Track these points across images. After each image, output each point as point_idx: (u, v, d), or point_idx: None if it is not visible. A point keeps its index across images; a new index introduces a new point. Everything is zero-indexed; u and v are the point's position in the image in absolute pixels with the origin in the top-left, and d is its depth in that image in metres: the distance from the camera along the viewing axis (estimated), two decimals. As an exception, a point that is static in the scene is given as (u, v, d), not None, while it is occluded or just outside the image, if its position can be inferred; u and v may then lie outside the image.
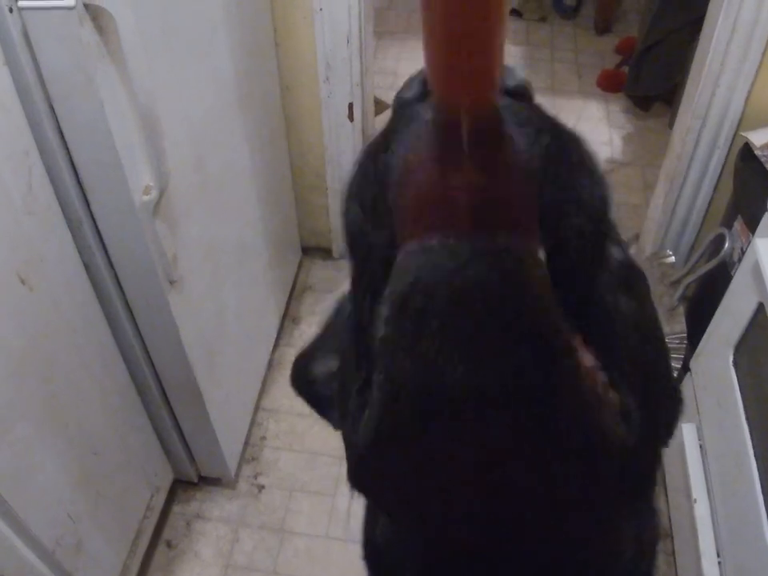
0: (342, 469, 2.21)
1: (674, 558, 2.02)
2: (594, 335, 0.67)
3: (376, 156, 0.67)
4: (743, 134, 2.06)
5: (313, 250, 2.88)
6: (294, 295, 2.72)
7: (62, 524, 1.52)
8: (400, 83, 0.73)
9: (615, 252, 0.72)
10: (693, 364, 1.97)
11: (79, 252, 1.45)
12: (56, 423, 1.46)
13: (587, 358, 0.66)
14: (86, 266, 1.49)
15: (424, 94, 0.67)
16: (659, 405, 0.76)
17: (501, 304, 0.59)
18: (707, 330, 1.89)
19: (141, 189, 1.38)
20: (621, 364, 0.68)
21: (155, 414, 1.89)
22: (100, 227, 1.45)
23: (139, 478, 1.88)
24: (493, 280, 0.58)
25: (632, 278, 0.75)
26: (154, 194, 1.40)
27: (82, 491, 1.59)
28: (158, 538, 2.10)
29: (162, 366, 1.77)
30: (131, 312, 1.63)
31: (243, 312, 2.12)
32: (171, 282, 1.57)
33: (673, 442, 1.98)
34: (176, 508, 2.17)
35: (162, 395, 1.85)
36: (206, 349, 1.83)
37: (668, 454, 2.13)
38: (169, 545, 2.10)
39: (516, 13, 4.14)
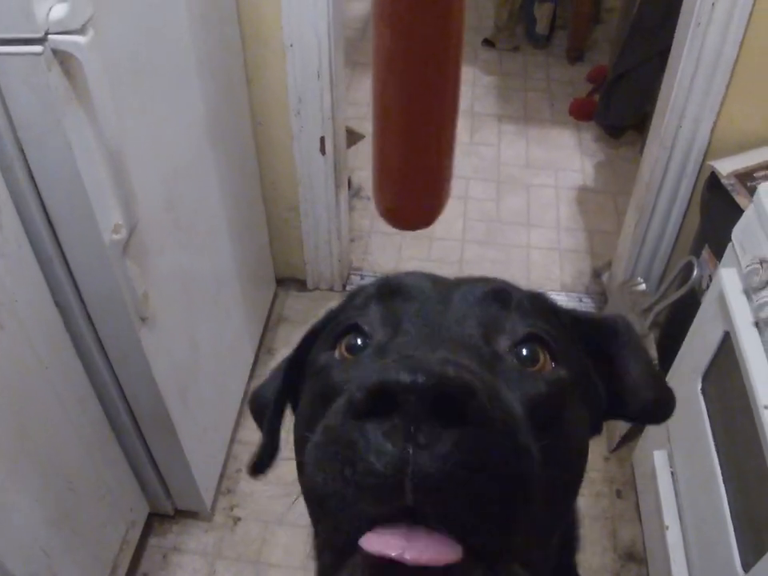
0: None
1: (649, 584, 2.04)
2: None
3: None
4: (710, 163, 2.10)
5: (287, 281, 2.90)
6: (269, 326, 2.73)
7: (37, 560, 1.52)
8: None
9: None
10: (663, 391, 1.99)
11: (51, 291, 1.46)
12: (30, 460, 1.46)
13: None
14: (58, 305, 1.49)
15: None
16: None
17: None
18: (676, 358, 1.91)
19: (110, 228, 1.39)
20: None
21: (129, 449, 1.89)
22: (71, 266, 1.46)
23: (115, 512, 1.87)
24: None
25: None
26: (124, 232, 1.41)
27: (57, 527, 1.58)
28: (135, 572, 2.09)
29: (135, 401, 1.77)
30: (103, 348, 1.63)
31: (217, 345, 2.13)
32: (143, 319, 1.58)
33: (645, 469, 2.00)
34: (152, 541, 2.17)
35: (135, 430, 1.85)
36: (179, 383, 1.84)
37: (641, 481, 2.15)
38: (145, 580, 2.10)
39: (488, 43, 4.20)
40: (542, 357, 0.63)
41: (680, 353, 1.90)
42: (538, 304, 0.71)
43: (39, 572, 1.52)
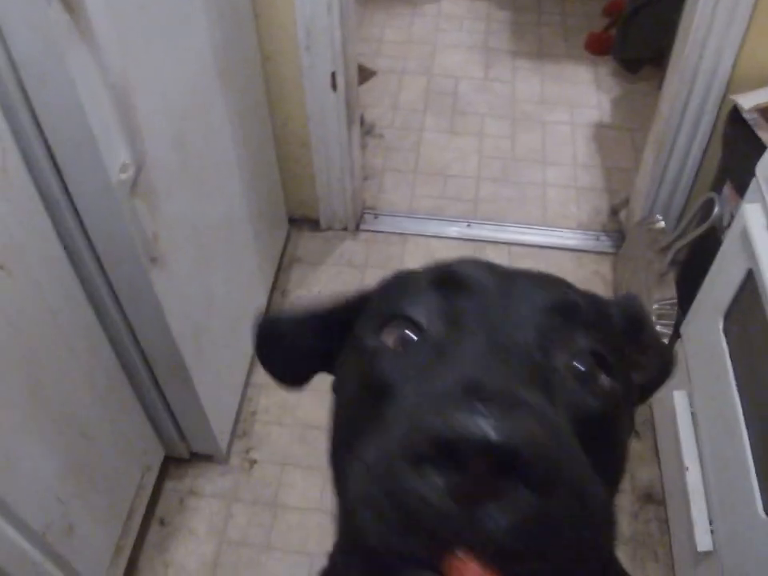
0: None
1: (668, 526, 2.03)
2: None
3: None
4: (732, 97, 2.04)
5: (300, 221, 2.86)
6: (282, 268, 2.70)
7: (52, 508, 1.51)
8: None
9: None
10: (683, 330, 1.96)
11: (58, 234, 1.42)
12: (42, 408, 1.44)
13: None
14: (66, 248, 1.46)
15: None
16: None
17: None
18: (697, 297, 1.88)
19: (117, 167, 1.35)
20: None
21: (143, 394, 1.87)
22: (78, 208, 1.42)
23: (129, 457, 1.87)
24: None
25: None
26: (131, 171, 1.37)
27: (71, 474, 1.58)
28: (151, 516, 2.10)
29: (149, 346, 1.75)
30: (114, 293, 1.61)
31: (230, 287, 2.10)
32: (153, 261, 1.55)
33: (664, 410, 1.97)
34: (168, 485, 2.17)
35: (149, 374, 1.83)
36: (192, 326, 1.82)
37: (660, 422, 2.13)
38: (162, 522, 2.10)
39: (502, -24, 4.08)
40: (599, 374, 0.60)
41: (701, 292, 1.87)
42: (597, 313, 0.67)
43: (54, 520, 1.52)
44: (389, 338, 0.62)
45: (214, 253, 1.95)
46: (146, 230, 1.48)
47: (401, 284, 0.69)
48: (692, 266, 2.20)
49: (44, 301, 1.41)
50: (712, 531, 1.67)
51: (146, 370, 1.82)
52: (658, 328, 2.09)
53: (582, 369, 0.59)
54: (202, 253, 1.86)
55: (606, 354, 0.61)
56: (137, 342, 1.74)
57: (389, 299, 0.67)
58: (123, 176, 1.36)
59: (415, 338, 0.61)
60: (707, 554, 1.67)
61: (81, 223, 1.45)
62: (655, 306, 2.09)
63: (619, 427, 0.62)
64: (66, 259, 1.47)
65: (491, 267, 0.67)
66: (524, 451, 0.43)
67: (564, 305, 0.62)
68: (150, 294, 1.59)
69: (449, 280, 0.64)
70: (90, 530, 1.69)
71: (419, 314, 0.62)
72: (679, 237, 2.16)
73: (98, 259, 1.53)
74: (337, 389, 0.73)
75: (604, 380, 0.60)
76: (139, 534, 1.99)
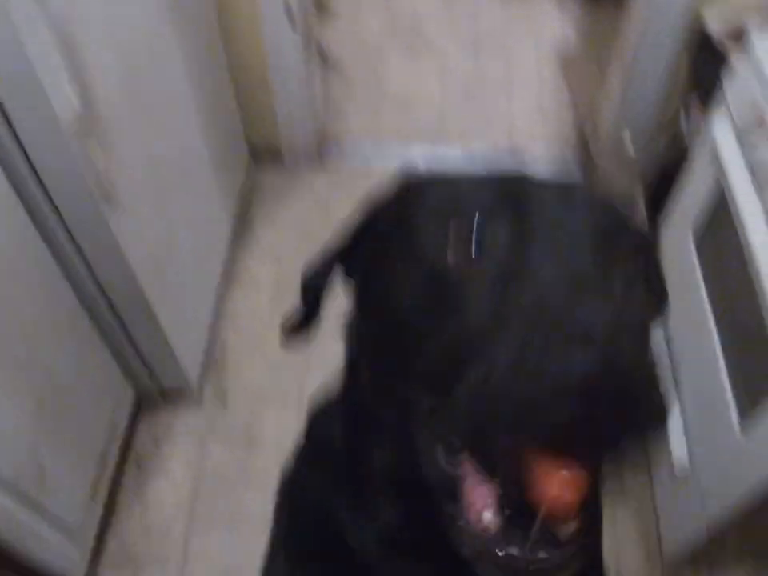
0: (309, 376, 2.21)
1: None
2: None
3: None
4: (698, 12, 2.00)
5: (263, 156, 2.80)
6: (245, 201, 2.65)
7: (22, 458, 1.49)
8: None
9: None
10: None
11: (7, 177, 1.37)
12: (2, 356, 1.41)
13: None
14: (18, 191, 1.41)
15: None
16: None
17: None
18: (667, 213, 1.86)
19: (62, 104, 1.29)
20: None
21: (107, 333, 1.84)
22: (29, 152, 1.36)
23: (99, 397, 1.84)
24: None
25: None
26: (78, 108, 1.32)
27: (40, 422, 1.55)
28: (126, 456, 2.08)
29: (109, 284, 1.70)
30: (70, 233, 1.55)
31: (193, 223, 2.06)
32: (108, 200, 1.50)
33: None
34: (142, 426, 2.14)
35: (112, 313, 1.79)
36: (154, 265, 1.77)
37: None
38: (138, 464, 2.08)
39: None
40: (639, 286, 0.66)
41: (672, 207, 1.85)
42: (636, 234, 0.70)
43: (26, 471, 1.50)
44: (459, 256, 0.63)
45: (173, 190, 1.89)
46: (98, 169, 1.43)
47: (456, 198, 0.68)
48: (661, 184, 2.16)
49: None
50: (689, 455, 1.67)
51: (108, 308, 1.77)
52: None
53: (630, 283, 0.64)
54: (161, 191, 1.81)
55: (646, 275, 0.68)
56: (96, 281, 1.69)
57: (447, 213, 0.66)
58: (69, 113, 1.31)
59: (478, 252, 0.63)
60: (685, 477, 1.68)
61: (30, 163, 1.39)
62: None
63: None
64: (19, 203, 1.42)
65: (544, 184, 0.68)
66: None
67: (609, 226, 0.65)
68: (107, 233, 1.54)
69: (514, 195, 0.65)
70: (63, 476, 1.67)
71: (490, 232, 0.63)
72: (647, 155, 2.13)
73: (50, 200, 1.48)
74: (370, 312, 0.76)
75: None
76: (115, 474, 1.97)
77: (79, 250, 1.60)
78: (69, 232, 1.55)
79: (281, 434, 2.12)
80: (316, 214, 2.62)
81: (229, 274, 2.45)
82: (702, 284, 1.64)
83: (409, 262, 0.67)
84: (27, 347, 1.49)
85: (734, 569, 1.83)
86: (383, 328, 0.72)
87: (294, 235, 2.57)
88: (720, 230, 1.59)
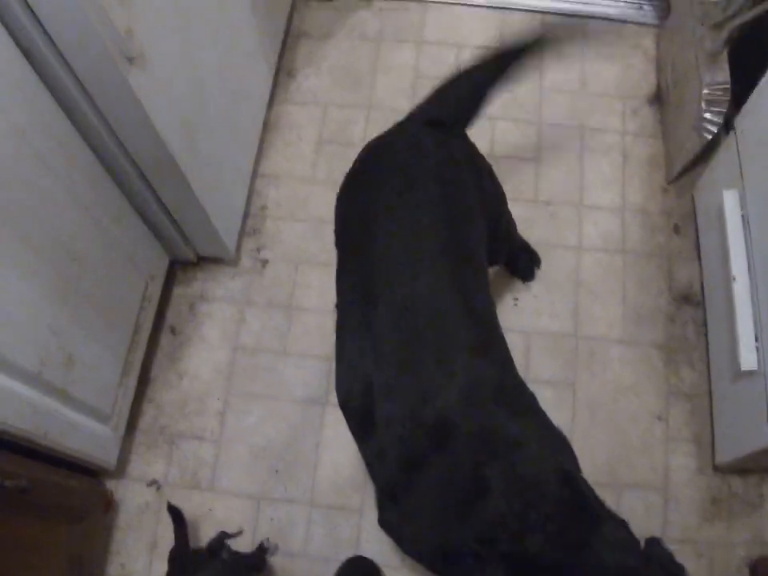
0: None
1: (706, 331, 1.90)
2: None
3: None
4: None
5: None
6: (288, 45, 2.43)
7: (45, 342, 1.41)
8: None
9: None
10: (738, 123, 1.73)
11: (12, 37, 1.21)
12: (16, 233, 1.29)
13: None
14: (26, 53, 1.26)
15: None
16: None
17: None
18: (756, 88, 1.63)
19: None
20: None
21: (138, 202, 1.72)
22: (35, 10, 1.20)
23: (129, 270, 1.74)
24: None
25: None
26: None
27: (62, 301, 1.45)
28: (161, 327, 2.01)
29: (135, 150, 1.56)
30: (91, 99, 1.40)
31: (227, 74, 1.86)
32: (131, 61, 1.33)
33: (710, 207, 1.80)
34: (177, 291, 2.06)
35: (141, 179, 1.66)
36: (183, 125, 1.61)
37: (704, 219, 1.95)
38: (173, 331, 2.01)
39: None
40: None
41: (762, 81, 1.61)
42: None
43: (50, 354, 1.42)
44: None
45: (203, 38, 1.70)
46: (116, 26, 1.25)
47: None
48: (747, 49, 1.90)
49: (6, 118, 1.22)
50: (758, 349, 1.54)
51: (137, 175, 1.64)
52: (707, 116, 1.86)
53: None
54: (188, 40, 1.61)
55: None
56: (122, 147, 1.55)
57: None
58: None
59: None
60: (750, 372, 1.55)
61: (41, 26, 1.23)
62: (705, 91, 1.84)
63: None
64: (28, 66, 1.27)
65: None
66: None
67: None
68: (130, 97, 1.38)
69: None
70: (92, 355, 1.60)
71: None
72: (736, 13, 1.86)
73: (67, 65, 1.32)
74: None
75: None
76: (149, 346, 1.91)
77: (102, 116, 1.46)
78: (90, 98, 1.40)
79: (323, 300, 2.03)
80: (365, 57, 2.39)
81: (268, 126, 2.27)
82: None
83: None
84: (42, 224, 1.37)
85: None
86: None
87: (339, 80, 2.36)
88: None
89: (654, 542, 1.02)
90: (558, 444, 1.16)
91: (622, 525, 1.01)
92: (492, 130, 2.19)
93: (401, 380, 1.12)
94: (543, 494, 1.00)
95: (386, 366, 1.14)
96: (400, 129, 1.40)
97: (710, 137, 1.88)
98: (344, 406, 1.23)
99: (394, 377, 1.12)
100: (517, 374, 1.22)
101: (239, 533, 1.78)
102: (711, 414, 1.83)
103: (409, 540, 1.23)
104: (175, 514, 1.69)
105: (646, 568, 0.95)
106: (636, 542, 1.00)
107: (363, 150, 1.41)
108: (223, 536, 1.72)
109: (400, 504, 1.16)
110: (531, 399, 1.20)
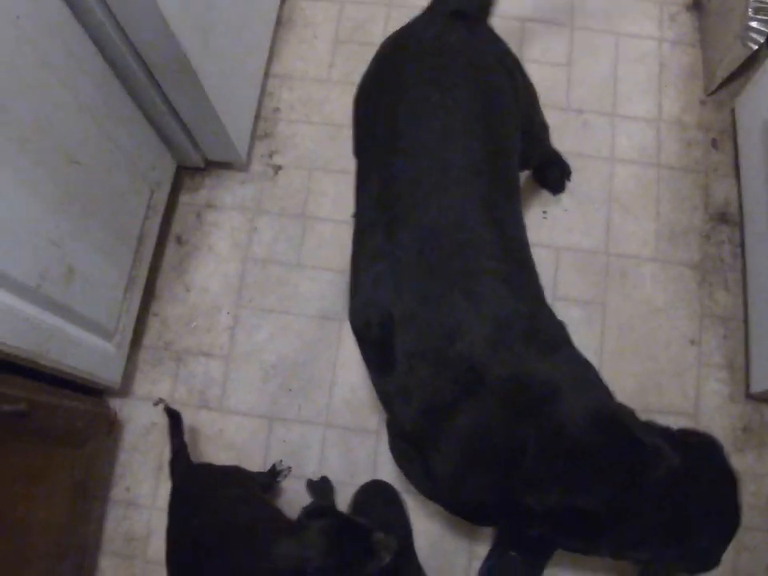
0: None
1: (742, 252, 1.80)
2: None
3: None
4: None
5: None
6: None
7: (44, 253, 1.31)
8: None
9: None
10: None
11: None
12: (11, 135, 1.17)
13: None
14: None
15: None
16: None
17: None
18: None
19: None
20: None
21: (145, 102, 1.59)
22: None
23: (134, 176, 1.63)
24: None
25: None
26: None
27: (63, 209, 1.35)
28: (167, 236, 1.91)
29: (144, 46, 1.44)
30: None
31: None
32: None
33: (751, 121, 1.69)
34: (183, 199, 1.94)
35: (149, 79, 1.53)
36: (194, 18, 1.48)
37: (744, 133, 1.84)
38: (179, 241, 1.90)
39: None
40: None
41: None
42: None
43: (49, 267, 1.32)
44: None
45: None
46: None
47: None
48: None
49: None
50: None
51: (145, 73, 1.51)
52: (753, 24, 1.73)
53: None
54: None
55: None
56: (130, 44, 1.42)
57: None
58: None
59: None
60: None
61: None
62: (754, -2, 1.71)
63: None
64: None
65: None
66: None
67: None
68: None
69: None
70: (94, 268, 1.50)
71: None
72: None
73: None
74: None
75: None
76: (154, 258, 1.81)
77: (105, 5, 1.32)
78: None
79: (339, 208, 1.92)
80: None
81: (281, 23, 2.12)
82: None
83: None
84: (39, 128, 1.25)
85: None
86: None
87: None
88: None
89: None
90: (590, 377, 1.10)
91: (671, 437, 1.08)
92: (521, 32, 2.05)
93: (424, 313, 1.03)
94: (583, 449, 1.00)
95: (407, 295, 1.04)
96: (422, 23, 1.26)
97: (756, 47, 1.77)
98: (359, 335, 1.15)
99: (416, 308, 1.04)
100: (547, 306, 1.14)
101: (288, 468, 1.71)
102: (746, 340, 1.75)
103: (430, 488, 1.22)
104: (173, 416, 1.57)
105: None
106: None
107: (382, 47, 1.28)
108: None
109: (424, 455, 1.11)
110: (561, 331, 1.12)
